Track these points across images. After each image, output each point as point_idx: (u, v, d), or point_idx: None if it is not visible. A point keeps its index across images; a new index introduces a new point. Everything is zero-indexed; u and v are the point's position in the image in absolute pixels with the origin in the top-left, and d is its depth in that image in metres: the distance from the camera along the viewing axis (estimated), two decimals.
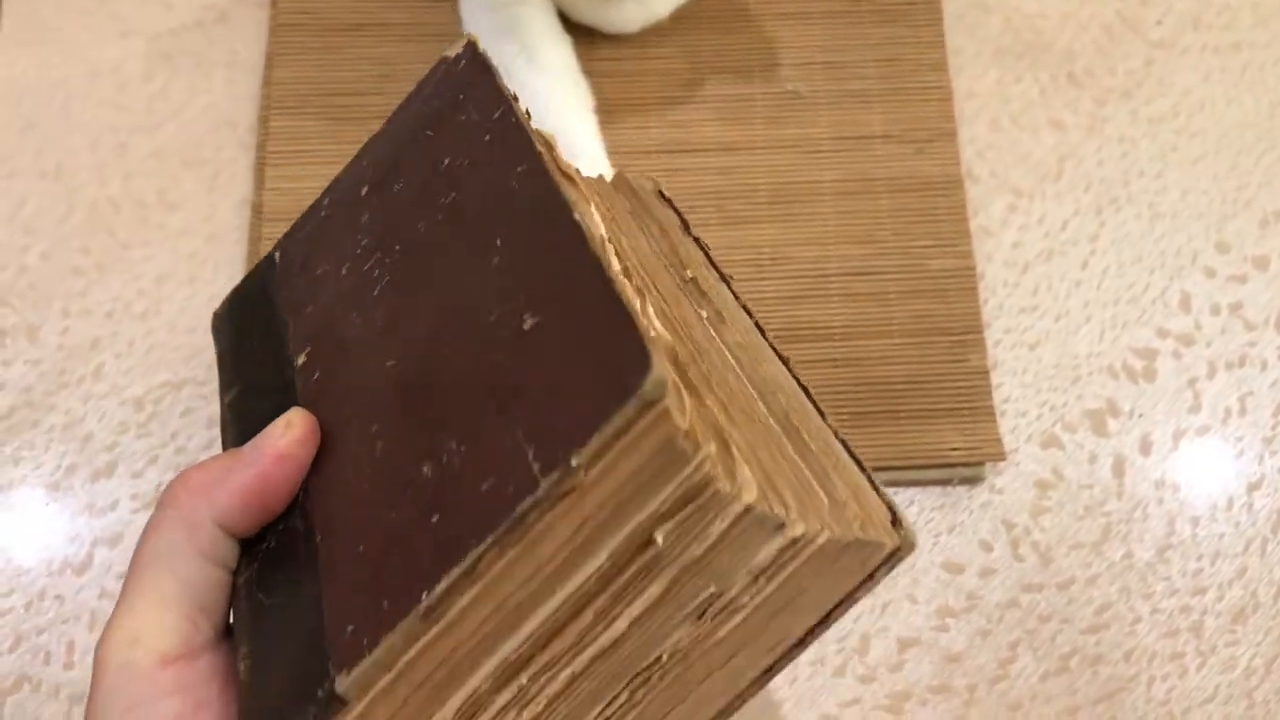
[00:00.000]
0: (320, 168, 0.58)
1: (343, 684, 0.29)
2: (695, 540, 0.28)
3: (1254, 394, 0.57)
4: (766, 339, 0.40)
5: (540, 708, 0.30)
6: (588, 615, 0.29)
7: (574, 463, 0.26)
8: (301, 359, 0.38)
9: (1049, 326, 0.58)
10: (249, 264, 0.58)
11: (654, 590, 0.29)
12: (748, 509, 0.28)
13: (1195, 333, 0.58)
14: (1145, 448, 0.57)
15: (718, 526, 0.28)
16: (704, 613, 0.30)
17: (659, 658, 0.31)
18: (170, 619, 0.33)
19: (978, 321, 0.57)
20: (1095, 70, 0.63)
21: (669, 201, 0.44)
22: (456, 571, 0.28)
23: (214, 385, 0.54)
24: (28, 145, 0.61)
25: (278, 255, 0.42)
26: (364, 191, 0.40)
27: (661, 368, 0.26)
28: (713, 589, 0.30)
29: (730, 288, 0.41)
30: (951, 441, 0.55)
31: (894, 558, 0.33)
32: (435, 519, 0.29)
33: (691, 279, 0.39)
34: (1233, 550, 0.55)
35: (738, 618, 0.31)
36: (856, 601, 0.33)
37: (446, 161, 0.37)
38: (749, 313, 0.40)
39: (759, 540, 0.29)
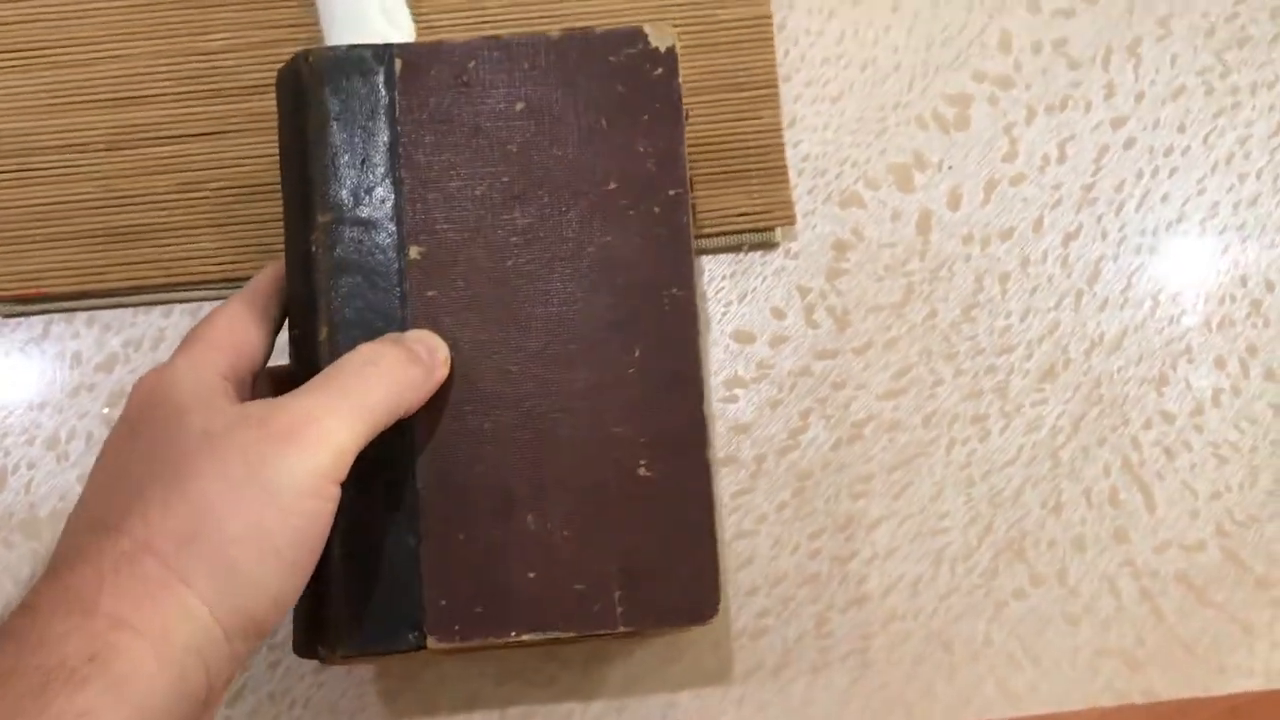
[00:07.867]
0: None
1: (433, 644, 0.39)
2: None
3: (1075, 138, 0.53)
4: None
5: None
6: None
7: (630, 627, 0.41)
8: (414, 253, 0.41)
9: (854, 77, 0.54)
10: None
11: None
12: None
13: (1014, 74, 0.54)
14: (954, 201, 0.53)
15: None
16: None
17: None
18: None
19: (773, 75, 0.53)
20: None
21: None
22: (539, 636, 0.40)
23: None
24: None
25: (398, 64, 0.42)
26: (518, 108, 0.42)
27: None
28: None
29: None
30: (739, 206, 0.52)
31: None
32: (531, 575, 0.40)
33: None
34: (1044, 305, 0.52)
35: None
36: None
37: (612, 186, 0.42)
38: None
39: None
